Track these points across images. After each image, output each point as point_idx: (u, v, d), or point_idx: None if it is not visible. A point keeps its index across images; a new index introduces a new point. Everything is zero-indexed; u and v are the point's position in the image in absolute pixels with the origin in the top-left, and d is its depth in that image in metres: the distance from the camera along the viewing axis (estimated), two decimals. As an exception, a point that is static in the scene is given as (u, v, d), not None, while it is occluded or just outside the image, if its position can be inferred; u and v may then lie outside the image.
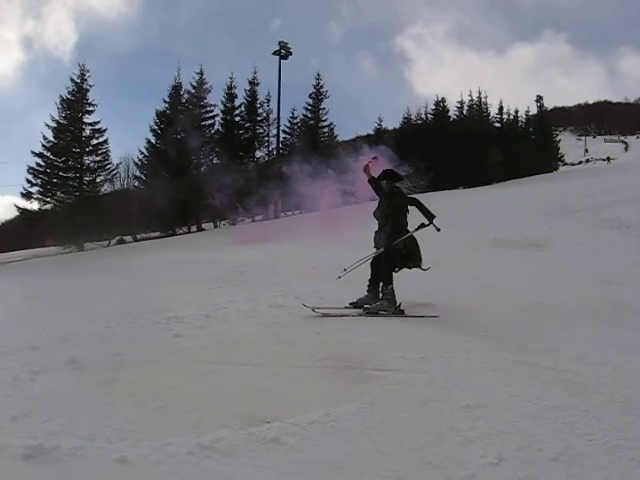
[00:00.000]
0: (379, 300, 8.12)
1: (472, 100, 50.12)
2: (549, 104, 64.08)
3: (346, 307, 8.22)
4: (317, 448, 3.75)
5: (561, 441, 3.85)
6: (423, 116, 49.14)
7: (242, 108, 40.00)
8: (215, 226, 36.73)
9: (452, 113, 49.64)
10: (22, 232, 35.33)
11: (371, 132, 47.08)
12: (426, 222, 8.36)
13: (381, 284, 8.26)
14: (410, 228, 8.43)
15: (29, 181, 32.40)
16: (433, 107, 48.95)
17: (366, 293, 8.32)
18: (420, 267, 8.38)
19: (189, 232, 35.89)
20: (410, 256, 8.33)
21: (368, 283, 8.39)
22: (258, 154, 40.85)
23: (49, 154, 32.91)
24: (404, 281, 8.34)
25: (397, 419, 4.24)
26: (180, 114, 36.20)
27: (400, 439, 3.87)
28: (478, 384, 5.07)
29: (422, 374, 5.34)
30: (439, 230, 8.35)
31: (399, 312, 7.98)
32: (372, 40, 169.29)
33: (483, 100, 50.53)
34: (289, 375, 5.32)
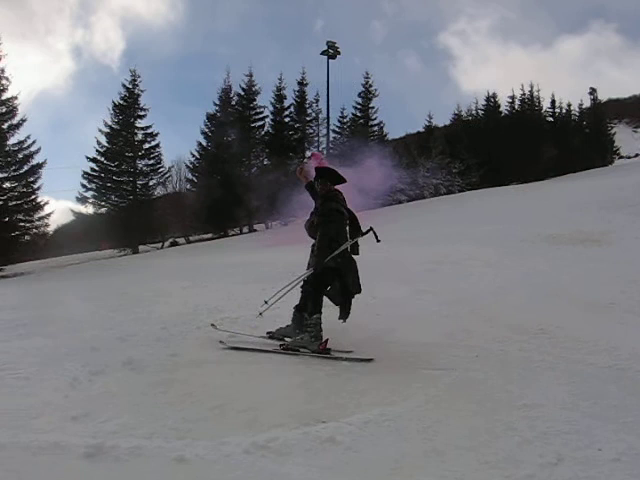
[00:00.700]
0: (300, 333, 6.37)
1: (524, 94, 49.26)
2: (602, 96, 62.24)
3: (262, 337, 6.69)
4: (373, 448, 3.74)
5: (622, 441, 3.77)
6: (474, 112, 48.43)
7: (291, 109, 40.17)
8: (267, 227, 36.92)
9: (503, 108, 48.83)
10: (78, 236, 36.15)
11: (421, 130, 46.68)
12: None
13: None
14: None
15: (84, 186, 33.06)
16: (484, 103, 48.22)
17: (288, 323, 6.71)
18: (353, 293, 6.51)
19: (241, 233, 36.20)
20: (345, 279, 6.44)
21: (293, 311, 6.72)
22: (308, 154, 40.89)
23: (103, 159, 33.54)
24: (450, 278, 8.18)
25: (453, 418, 4.21)
26: (230, 116, 36.56)
27: (456, 439, 3.85)
28: (535, 383, 5.00)
29: (477, 373, 5.30)
30: (379, 240, 6.58)
31: (323, 351, 6.06)
32: (415, 37, 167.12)
33: (535, 94, 49.59)
34: (344, 375, 5.33)
